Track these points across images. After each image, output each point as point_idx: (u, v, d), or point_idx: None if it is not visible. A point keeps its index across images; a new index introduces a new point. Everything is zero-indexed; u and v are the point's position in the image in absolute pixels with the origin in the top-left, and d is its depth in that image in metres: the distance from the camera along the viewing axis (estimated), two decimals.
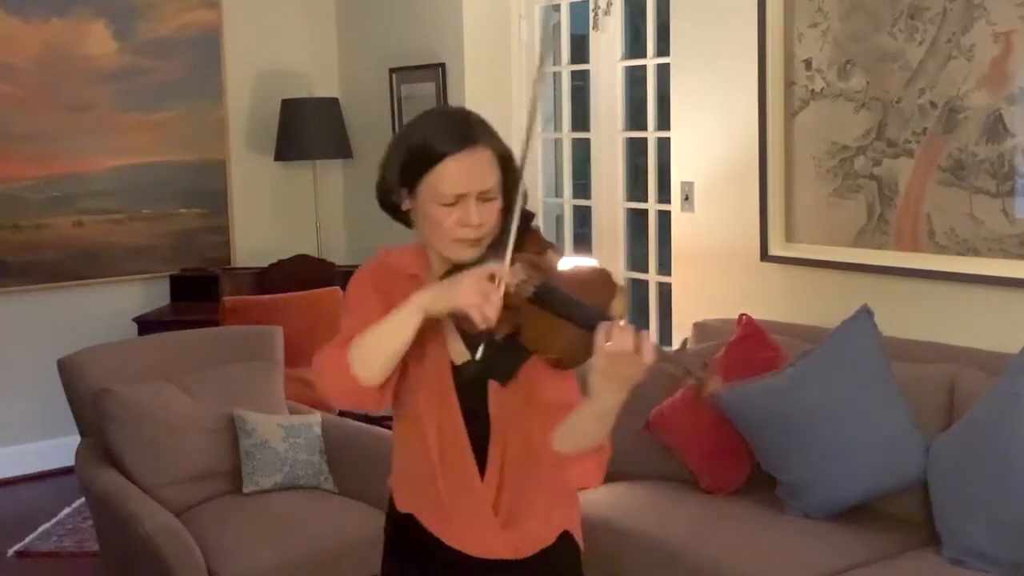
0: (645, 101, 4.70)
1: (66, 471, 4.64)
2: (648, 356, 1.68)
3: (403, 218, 2.00)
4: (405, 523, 2.09)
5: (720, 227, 4.21)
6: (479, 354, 1.84)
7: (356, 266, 6.39)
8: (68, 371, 3.77)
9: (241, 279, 5.56)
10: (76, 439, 3.83)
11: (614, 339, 1.68)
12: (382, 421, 5.56)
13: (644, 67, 4.71)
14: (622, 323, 1.71)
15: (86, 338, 4.47)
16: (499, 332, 1.79)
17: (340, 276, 5.47)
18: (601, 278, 1.87)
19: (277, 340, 4.10)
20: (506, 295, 1.78)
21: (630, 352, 1.67)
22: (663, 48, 4.53)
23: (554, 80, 5.40)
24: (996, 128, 3.34)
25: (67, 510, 4.84)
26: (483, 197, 1.88)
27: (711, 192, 4.25)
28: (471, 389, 1.94)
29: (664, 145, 4.56)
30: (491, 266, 1.80)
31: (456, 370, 1.95)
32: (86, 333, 4.99)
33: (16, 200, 5.32)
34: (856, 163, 3.72)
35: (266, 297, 4.94)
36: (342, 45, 6.10)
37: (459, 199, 1.86)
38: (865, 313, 3.33)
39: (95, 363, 3.77)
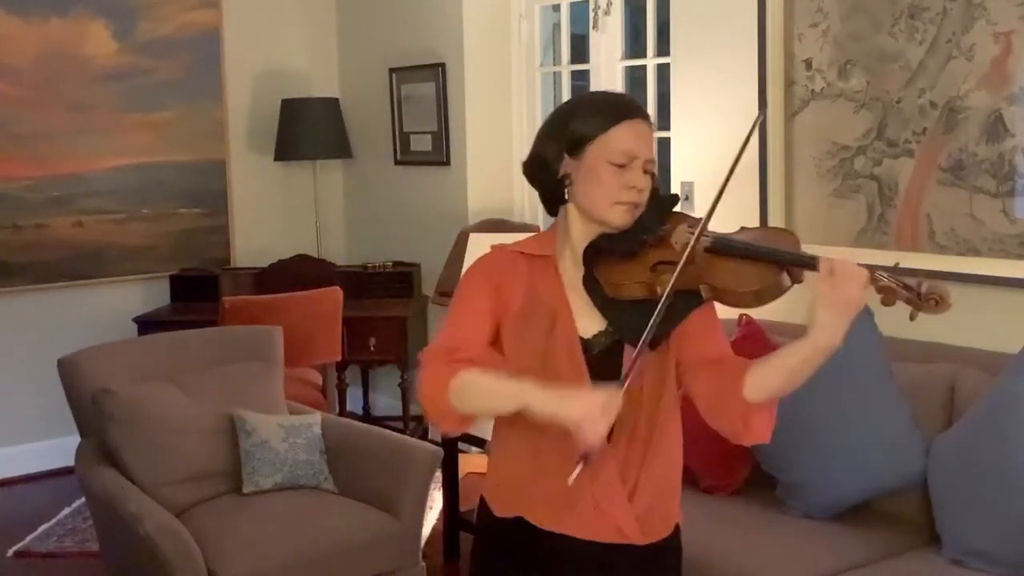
0: (645, 101, 4.70)
1: (66, 471, 4.63)
2: (866, 275, 1.79)
3: (551, 187, 2.02)
4: (509, 529, 2.08)
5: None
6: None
7: (356, 266, 6.33)
8: (68, 371, 3.77)
9: (241, 279, 5.56)
10: (76, 439, 3.82)
11: (848, 268, 1.80)
12: (381, 421, 5.56)
13: (644, 67, 4.71)
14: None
15: (86, 338, 4.47)
16: (669, 290, 1.87)
17: (340, 276, 5.47)
18: (782, 232, 2.02)
19: (277, 340, 4.10)
20: (679, 252, 1.90)
21: (851, 272, 1.79)
22: (663, 48, 4.53)
23: (554, 80, 5.40)
24: (996, 128, 3.34)
25: (67, 510, 4.84)
26: (646, 167, 1.97)
27: (711, 192, 4.23)
28: (600, 361, 1.97)
29: (664, 145, 4.56)
30: (610, 394, 1.83)
31: (585, 344, 1.99)
32: (86, 333, 4.99)
33: (16, 200, 5.32)
34: (856, 163, 3.72)
35: (266, 297, 4.94)
36: (342, 45, 6.10)
37: (629, 161, 1.95)
38: (865, 313, 3.32)
39: (95, 363, 3.77)
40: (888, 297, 1.81)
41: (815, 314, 1.84)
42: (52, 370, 3.83)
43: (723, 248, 1.92)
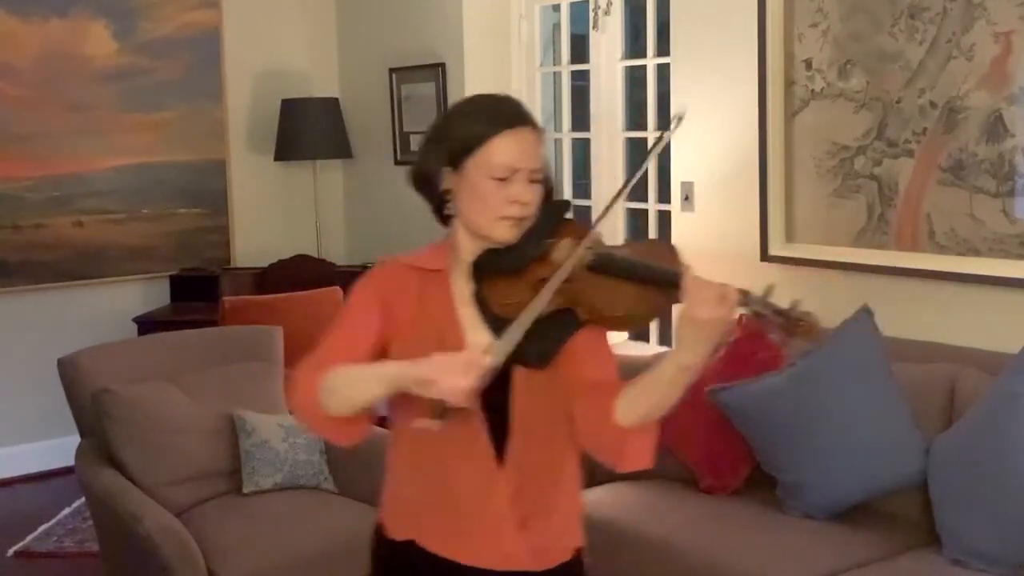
0: (645, 101, 4.70)
1: (66, 471, 4.64)
2: (733, 295, 1.71)
3: (437, 200, 1.96)
4: (402, 552, 1.99)
5: (720, 227, 4.21)
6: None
7: (356, 266, 6.33)
8: (68, 371, 3.77)
9: (241, 279, 5.56)
10: (76, 439, 3.83)
11: (700, 286, 1.71)
12: (382, 420, 5.56)
13: (644, 67, 4.71)
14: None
15: (86, 338, 4.47)
16: (549, 307, 1.80)
17: (340, 276, 5.46)
18: (661, 245, 1.94)
19: (277, 340, 4.10)
20: (558, 268, 1.81)
21: (716, 295, 1.70)
22: (663, 48, 4.53)
23: (554, 80, 5.40)
24: (996, 128, 3.34)
25: (67, 510, 4.84)
26: (532, 177, 1.88)
27: (711, 192, 4.25)
28: (492, 379, 1.84)
29: (664, 145, 4.55)
30: (479, 354, 1.73)
31: None
32: (86, 333, 4.99)
33: (16, 200, 5.32)
34: (856, 163, 3.72)
35: (266, 297, 4.94)
36: (342, 45, 6.10)
37: (511, 175, 1.86)
38: (865, 313, 3.33)
39: (95, 363, 3.77)
40: (761, 323, 1.74)
41: (679, 334, 1.76)
42: (52, 370, 3.83)
43: (603, 266, 1.84)
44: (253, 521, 3.43)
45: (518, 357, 1.84)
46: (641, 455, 1.89)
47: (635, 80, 4.85)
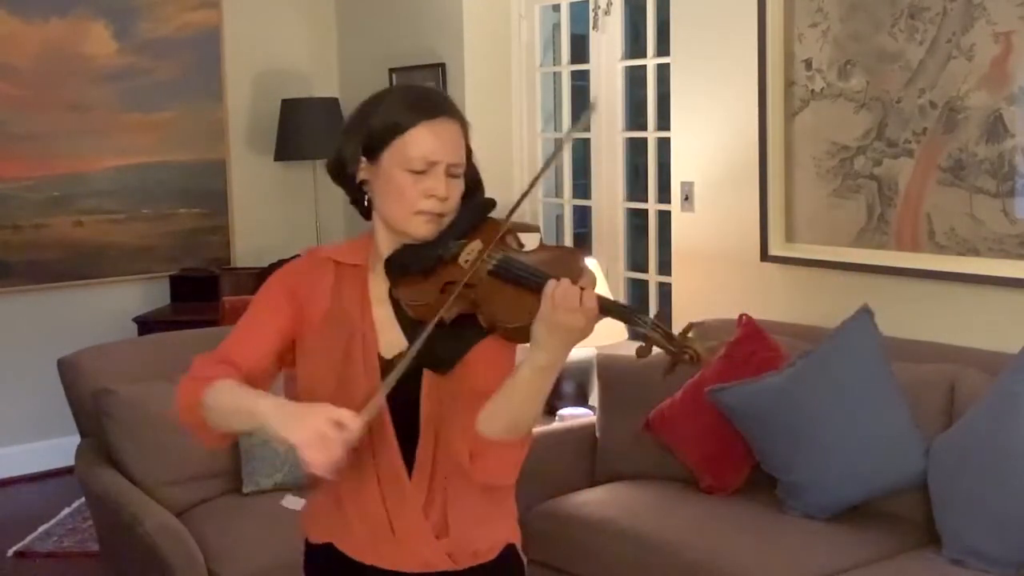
0: (645, 101, 4.70)
1: (66, 471, 4.64)
2: (584, 304, 1.65)
3: (355, 193, 1.91)
4: (324, 556, 1.94)
5: (720, 227, 4.21)
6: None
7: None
8: (68, 371, 3.77)
9: (241, 279, 5.56)
10: (76, 439, 3.82)
11: (561, 290, 1.66)
12: None
13: (644, 67, 4.71)
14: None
15: (86, 338, 4.46)
16: (451, 313, 1.74)
17: None
18: (568, 251, 1.85)
19: None
20: (464, 272, 1.75)
21: (575, 303, 1.65)
22: (663, 48, 4.53)
23: (554, 80, 5.40)
24: (996, 128, 3.34)
25: (67, 510, 4.84)
26: (451, 172, 1.82)
27: (711, 192, 4.25)
28: (402, 383, 1.77)
29: (664, 145, 4.56)
30: (346, 415, 1.65)
31: (387, 364, 1.83)
32: (86, 333, 4.99)
33: (16, 200, 5.32)
34: (856, 163, 3.72)
35: None
36: (342, 45, 6.10)
37: (429, 168, 1.80)
38: (865, 313, 3.33)
39: (95, 363, 3.76)
40: (644, 348, 1.68)
41: (534, 333, 1.69)
42: (52, 370, 3.82)
43: (504, 273, 1.75)
44: (253, 521, 3.43)
45: (426, 360, 1.78)
46: (500, 469, 1.81)
47: (635, 80, 4.85)
